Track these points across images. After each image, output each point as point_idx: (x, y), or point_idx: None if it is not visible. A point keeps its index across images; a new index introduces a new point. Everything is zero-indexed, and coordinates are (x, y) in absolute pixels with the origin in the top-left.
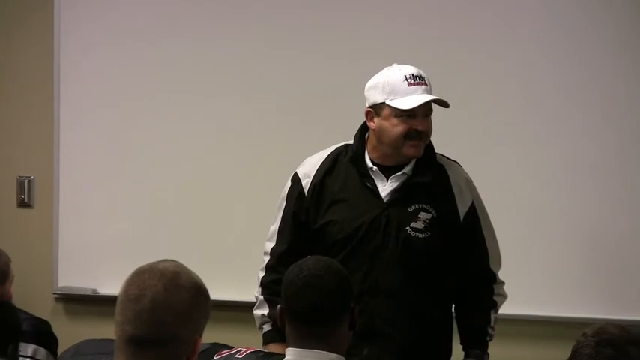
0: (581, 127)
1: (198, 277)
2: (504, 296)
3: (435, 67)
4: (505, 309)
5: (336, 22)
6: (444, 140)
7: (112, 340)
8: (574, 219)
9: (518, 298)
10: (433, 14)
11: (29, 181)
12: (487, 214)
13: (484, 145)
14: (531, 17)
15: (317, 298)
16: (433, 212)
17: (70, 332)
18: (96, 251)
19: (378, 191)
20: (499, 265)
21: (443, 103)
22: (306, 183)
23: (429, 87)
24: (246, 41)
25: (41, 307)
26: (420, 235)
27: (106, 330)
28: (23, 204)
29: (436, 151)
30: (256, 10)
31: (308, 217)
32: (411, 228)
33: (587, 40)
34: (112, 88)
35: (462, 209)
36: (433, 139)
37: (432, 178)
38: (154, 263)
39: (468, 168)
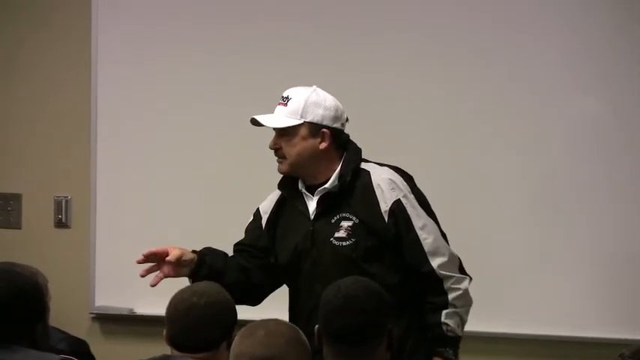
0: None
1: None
2: (460, 289)
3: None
4: (541, 330)
5: (339, 35)
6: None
7: None
8: (607, 236)
9: (555, 320)
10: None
11: (66, 201)
12: (421, 211)
13: (507, 159)
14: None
15: (354, 318)
16: (354, 218)
17: (106, 352)
18: (133, 271)
19: (307, 211)
20: (446, 259)
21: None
22: (264, 219)
23: (285, 107)
24: (290, 56)
25: (78, 327)
26: (344, 243)
27: (143, 350)
28: (60, 224)
29: (432, 153)
30: (275, 23)
31: (267, 250)
32: (334, 238)
33: (593, 39)
34: (149, 108)
35: (385, 209)
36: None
37: (347, 186)
38: None
39: (488, 177)
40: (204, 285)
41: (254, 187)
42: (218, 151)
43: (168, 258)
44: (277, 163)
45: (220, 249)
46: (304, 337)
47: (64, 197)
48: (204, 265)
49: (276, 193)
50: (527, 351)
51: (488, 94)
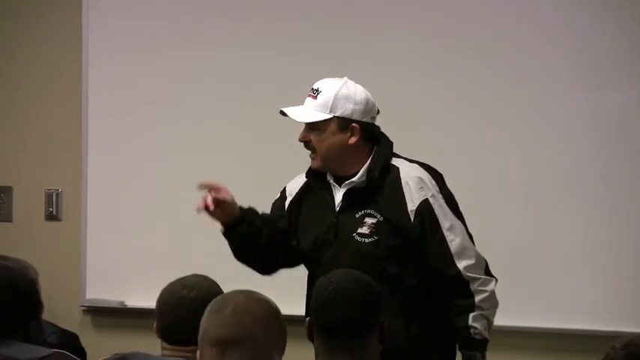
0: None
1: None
2: (487, 291)
3: (436, 68)
4: (532, 322)
5: (341, 28)
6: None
7: (142, 353)
8: (598, 229)
9: (547, 312)
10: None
11: (57, 193)
12: (449, 211)
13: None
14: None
15: (345, 311)
16: (379, 216)
17: (97, 345)
18: (124, 264)
19: (333, 202)
20: (472, 261)
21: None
22: (288, 200)
23: (315, 100)
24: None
25: (69, 319)
26: (367, 240)
27: (134, 342)
28: (51, 217)
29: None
30: (274, 18)
31: (288, 232)
32: (357, 234)
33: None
34: (140, 101)
35: (412, 208)
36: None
37: (375, 182)
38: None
39: (489, 176)
40: (194, 278)
41: (246, 180)
42: (210, 145)
43: (215, 195)
44: (310, 159)
45: (210, 241)
46: (277, 313)
47: (55, 190)
48: (244, 222)
49: (304, 176)
50: (535, 345)
51: (488, 93)
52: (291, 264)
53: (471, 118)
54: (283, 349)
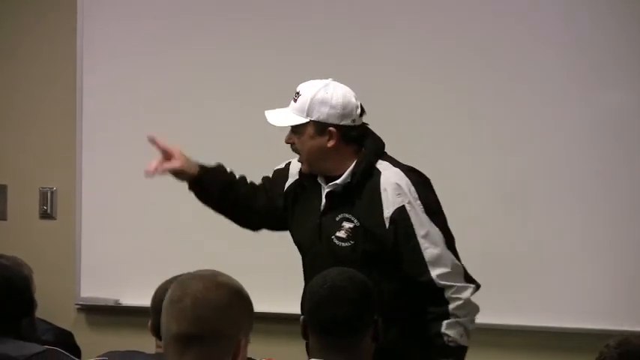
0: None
1: (238, 282)
2: (461, 299)
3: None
4: (532, 322)
5: (341, 28)
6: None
7: (137, 351)
8: (597, 229)
9: (541, 310)
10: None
11: (52, 192)
12: (426, 219)
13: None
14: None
15: (340, 309)
16: (355, 221)
17: (92, 343)
18: (118, 262)
19: (320, 203)
20: (447, 269)
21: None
22: (290, 181)
23: (296, 103)
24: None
25: (63, 318)
26: (344, 244)
27: (129, 341)
28: (45, 215)
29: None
30: (276, 19)
31: (278, 204)
32: (335, 237)
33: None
34: (134, 99)
35: (387, 215)
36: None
37: (355, 186)
38: (194, 272)
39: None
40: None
41: None
42: (209, 145)
43: (168, 164)
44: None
45: (205, 240)
46: (239, 295)
47: (50, 188)
48: (202, 181)
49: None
50: (535, 344)
51: (488, 94)
52: (274, 228)
53: (471, 119)
54: (250, 328)
